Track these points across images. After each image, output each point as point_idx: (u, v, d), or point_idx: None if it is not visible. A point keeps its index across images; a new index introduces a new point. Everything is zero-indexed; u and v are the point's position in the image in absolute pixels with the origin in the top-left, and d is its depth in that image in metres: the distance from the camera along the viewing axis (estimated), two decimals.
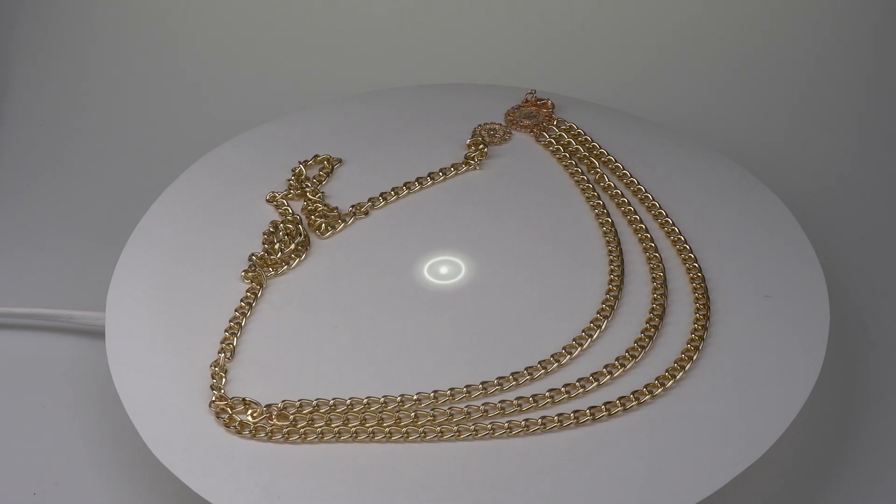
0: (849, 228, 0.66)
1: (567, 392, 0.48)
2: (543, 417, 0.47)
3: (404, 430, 0.47)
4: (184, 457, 0.46)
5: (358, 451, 0.46)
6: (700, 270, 0.53)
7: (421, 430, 0.47)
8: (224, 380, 0.49)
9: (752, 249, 0.55)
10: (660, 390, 0.48)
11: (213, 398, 0.48)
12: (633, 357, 0.49)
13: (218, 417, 0.48)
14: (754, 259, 0.54)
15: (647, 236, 0.55)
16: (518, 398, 0.47)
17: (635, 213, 0.57)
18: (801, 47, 0.79)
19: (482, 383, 0.48)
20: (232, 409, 0.48)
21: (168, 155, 0.73)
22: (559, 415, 0.47)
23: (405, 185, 0.59)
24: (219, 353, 0.50)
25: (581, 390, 0.48)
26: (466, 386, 0.48)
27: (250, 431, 0.47)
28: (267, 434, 0.47)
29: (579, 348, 0.50)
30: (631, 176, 0.59)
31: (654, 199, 0.58)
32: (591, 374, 0.48)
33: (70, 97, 0.78)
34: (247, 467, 0.46)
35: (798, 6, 0.80)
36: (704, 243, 0.55)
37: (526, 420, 0.47)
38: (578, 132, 0.62)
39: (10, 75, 0.79)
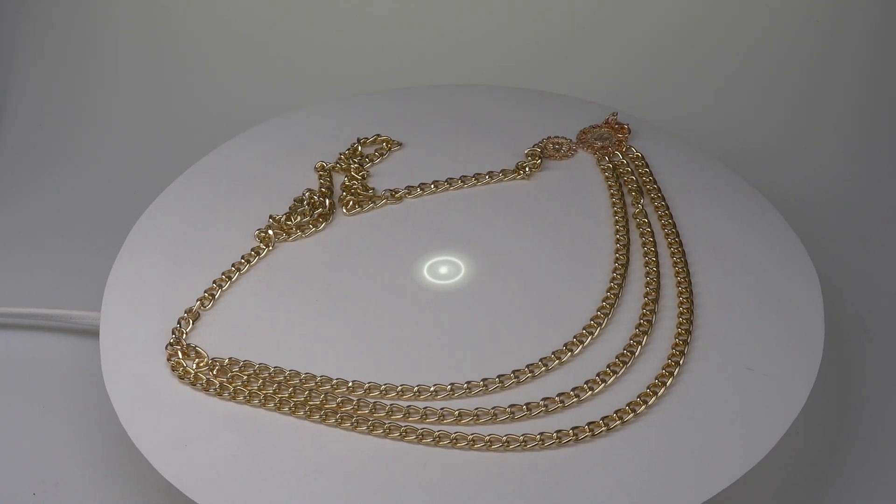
0: (849, 227, 0.66)
1: (545, 406, 0.47)
2: (508, 435, 0.46)
3: (323, 411, 0.47)
4: (128, 389, 0.48)
5: (276, 421, 0.47)
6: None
7: (338, 415, 0.47)
8: (191, 325, 0.51)
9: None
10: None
11: (170, 340, 0.50)
12: (615, 372, 0.49)
13: (168, 360, 0.49)
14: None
15: (654, 280, 0.53)
16: (467, 410, 0.47)
17: (656, 254, 0.54)
18: (801, 47, 0.79)
19: (428, 385, 0.48)
20: (184, 354, 0.49)
21: (168, 155, 0.73)
22: (524, 434, 0.46)
23: (447, 180, 0.59)
24: (197, 300, 0.52)
25: (560, 405, 0.47)
26: (403, 384, 0.48)
27: (189, 380, 0.49)
28: (203, 385, 0.48)
29: (557, 361, 0.49)
30: (670, 217, 0.56)
31: (681, 245, 0.55)
32: (572, 389, 0.48)
33: (70, 97, 0.78)
34: (174, 412, 0.47)
35: (798, 6, 0.80)
36: (716, 292, 0.53)
37: (506, 435, 0.46)
38: (642, 162, 0.60)
39: (10, 75, 0.79)
